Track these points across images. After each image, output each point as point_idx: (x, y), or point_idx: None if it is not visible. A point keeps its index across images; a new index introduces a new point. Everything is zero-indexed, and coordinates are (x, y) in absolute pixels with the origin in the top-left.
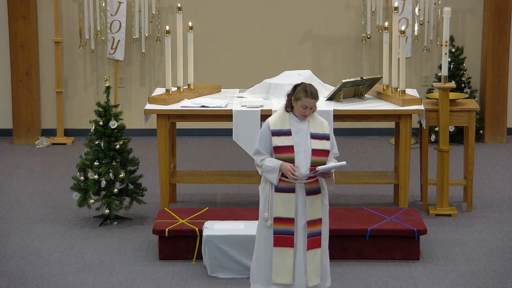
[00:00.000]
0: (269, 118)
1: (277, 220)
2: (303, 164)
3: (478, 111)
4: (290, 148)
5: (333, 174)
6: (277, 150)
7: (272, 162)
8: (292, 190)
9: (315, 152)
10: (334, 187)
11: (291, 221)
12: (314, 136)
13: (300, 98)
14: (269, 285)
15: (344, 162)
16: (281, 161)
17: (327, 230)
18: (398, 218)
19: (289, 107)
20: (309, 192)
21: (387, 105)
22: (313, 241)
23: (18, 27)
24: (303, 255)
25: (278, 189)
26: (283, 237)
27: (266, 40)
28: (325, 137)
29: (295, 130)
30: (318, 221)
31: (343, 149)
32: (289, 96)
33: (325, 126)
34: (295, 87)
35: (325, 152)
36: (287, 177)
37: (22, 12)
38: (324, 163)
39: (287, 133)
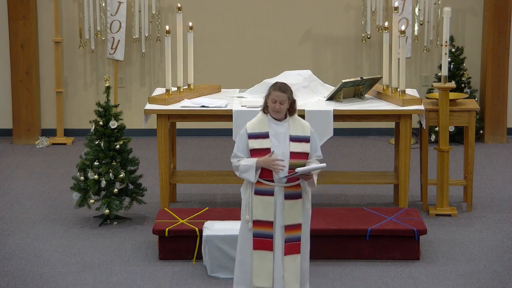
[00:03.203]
0: (248, 122)
1: (256, 222)
2: None
3: (478, 111)
4: (267, 151)
5: (314, 176)
6: (254, 153)
7: (248, 161)
8: (270, 193)
9: (293, 155)
10: (317, 188)
11: (270, 224)
12: (294, 139)
13: (270, 93)
14: None
15: (324, 164)
16: (256, 158)
17: (307, 235)
18: (398, 218)
19: (265, 108)
20: (288, 196)
21: (387, 105)
22: (292, 246)
23: (18, 27)
24: (281, 260)
25: (257, 192)
26: (262, 240)
27: (266, 40)
28: (305, 140)
29: (273, 133)
30: (297, 226)
31: (343, 149)
32: (265, 97)
33: (306, 128)
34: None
35: (304, 155)
36: (266, 180)
37: (22, 12)
38: (303, 165)
39: (265, 135)
